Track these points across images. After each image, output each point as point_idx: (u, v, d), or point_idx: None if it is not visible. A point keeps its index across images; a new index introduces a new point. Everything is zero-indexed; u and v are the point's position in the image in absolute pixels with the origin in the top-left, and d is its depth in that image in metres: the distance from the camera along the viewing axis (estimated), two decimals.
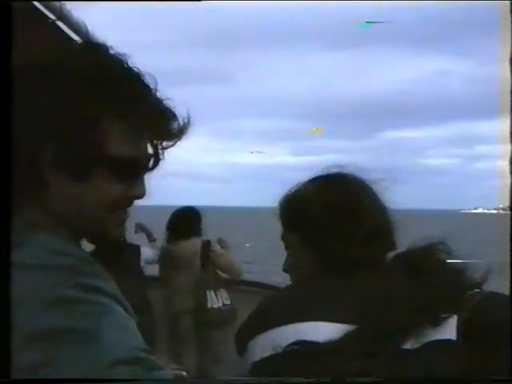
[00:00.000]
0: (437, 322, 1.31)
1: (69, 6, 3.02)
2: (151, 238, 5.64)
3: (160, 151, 1.19)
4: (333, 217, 1.43)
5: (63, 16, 2.99)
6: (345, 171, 1.52)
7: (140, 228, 5.65)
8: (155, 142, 1.16)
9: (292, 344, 1.28)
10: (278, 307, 1.42)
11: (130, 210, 1.17)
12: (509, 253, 1.35)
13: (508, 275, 1.34)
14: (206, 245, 5.29)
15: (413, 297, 1.33)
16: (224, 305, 5.28)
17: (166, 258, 5.38)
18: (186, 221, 5.37)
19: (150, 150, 1.17)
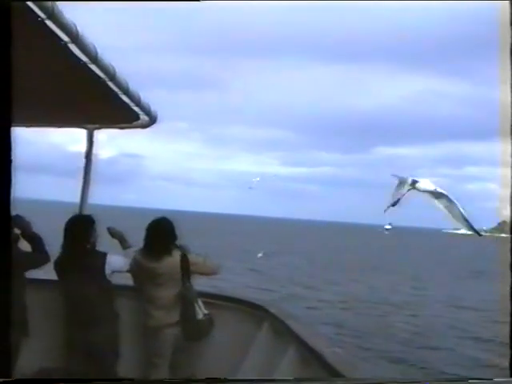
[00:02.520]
0: None
1: (62, 5, 2.96)
2: (124, 245, 5.38)
3: None
4: None
5: (54, 15, 2.93)
6: None
7: (112, 233, 5.43)
8: None
9: None
10: None
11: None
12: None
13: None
14: (185, 257, 5.20)
15: None
16: (204, 315, 5.23)
17: (147, 275, 5.21)
18: (165, 235, 5.25)
19: None
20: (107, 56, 3.69)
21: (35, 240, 4.95)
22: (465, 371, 15.51)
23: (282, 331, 4.65)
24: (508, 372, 2.08)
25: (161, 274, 5.16)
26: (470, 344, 19.64)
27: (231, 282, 25.38)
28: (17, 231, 4.94)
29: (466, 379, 2.30)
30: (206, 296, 5.48)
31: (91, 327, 4.98)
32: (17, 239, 4.90)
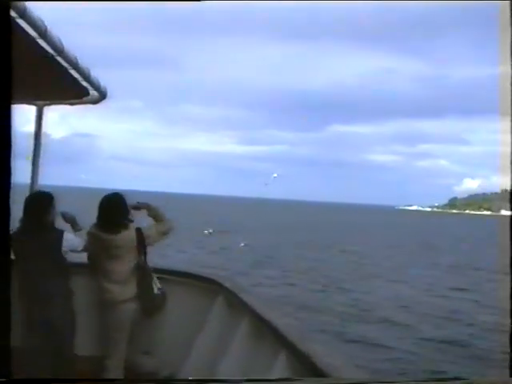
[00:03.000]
0: None
1: None
2: (76, 228, 5.27)
3: None
4: None
5: None
6: None
7: (65, 218, 5.29)
8: None
9: None
10: None
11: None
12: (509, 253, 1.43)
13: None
14: (140, 231, 5.22)
15: None
16: (158, 289, 5.28)
17: (104, 248, 5.20)
18: (120, 208, 5.24)
19: None
20: (56, 32, 3.67)
21: None
22: (394, 342, 16.10)
23: (236, 304, 4.71)
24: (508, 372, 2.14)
25: (118, 247, 5.16)
26: (403, 316, 20.20)
27: (182, 261, 25.62)
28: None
29: (466, 379, 2.38)
30: (160, 271, 5.50)
31: (47, 303, 4.93)
32: None
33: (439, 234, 73.42)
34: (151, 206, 5.42)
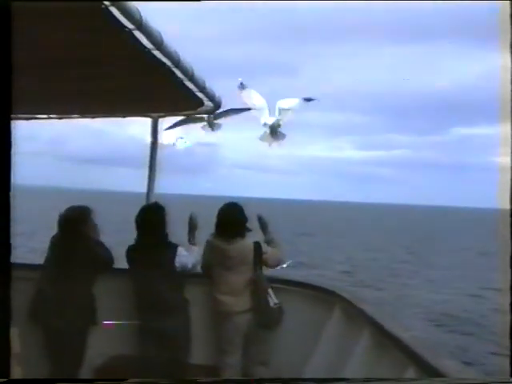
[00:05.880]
0: None
1: None
2: (191, 239, 5.30)
3: None
4: None
5: (117, 2, 2.88)
6: None
7: (192, 221, 5.33)
8: None
9: None
10: None
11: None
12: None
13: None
14: (258, 244, 5.17)
15: None
16: (275, 304, 5.17)
17: (218, 258, 5.21)
18: (237, 218, 5.22)
19: None
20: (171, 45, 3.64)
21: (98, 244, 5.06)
22: None
23: (355, 315, 4.54)
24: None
25: (232, 257, 5.13)
26: None
27: None
28: (84, 233, 5.05)
29: (465, 379, 2.17)
30: (275, 281, 5.40)
31: (162, 315, 4.97)
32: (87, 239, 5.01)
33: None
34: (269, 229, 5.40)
